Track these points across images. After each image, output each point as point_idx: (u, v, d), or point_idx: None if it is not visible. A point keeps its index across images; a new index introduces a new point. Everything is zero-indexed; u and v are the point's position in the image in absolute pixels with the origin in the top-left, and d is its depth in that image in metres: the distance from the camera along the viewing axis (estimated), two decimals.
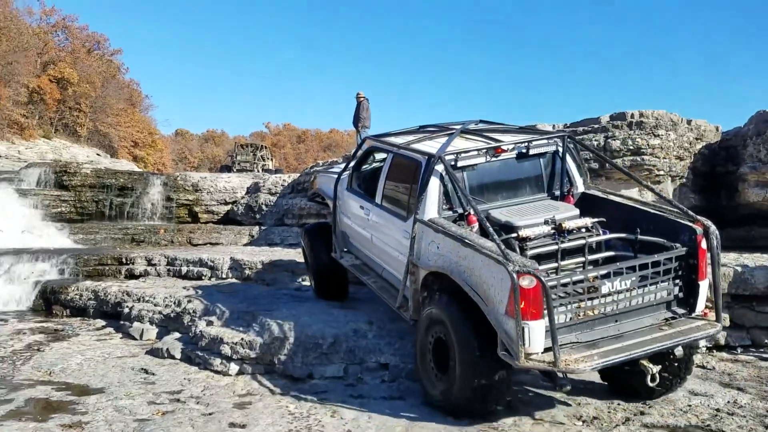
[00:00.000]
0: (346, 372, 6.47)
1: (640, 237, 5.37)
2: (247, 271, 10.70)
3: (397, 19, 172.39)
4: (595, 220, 5.54)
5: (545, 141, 6.16)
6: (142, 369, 6.92)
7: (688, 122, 10.57)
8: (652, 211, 5.72)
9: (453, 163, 5.74)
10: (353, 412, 5.44)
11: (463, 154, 5.81)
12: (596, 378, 6.03)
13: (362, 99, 15.82)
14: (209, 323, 7.49)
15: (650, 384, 5.23)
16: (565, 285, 4.85)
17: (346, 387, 6.19)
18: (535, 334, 4.53)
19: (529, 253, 5.17)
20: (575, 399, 5.80)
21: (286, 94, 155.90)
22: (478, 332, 4.93)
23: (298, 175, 15.94)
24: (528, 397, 5.87)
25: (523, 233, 5.26)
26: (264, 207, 15.62)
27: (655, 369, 5.19)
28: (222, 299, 8.46)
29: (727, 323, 7.15)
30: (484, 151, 5.89)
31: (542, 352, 4.59)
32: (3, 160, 24.65)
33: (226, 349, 6.78)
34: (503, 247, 4.75)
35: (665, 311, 5.23)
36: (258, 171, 33.76)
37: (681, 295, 5.26)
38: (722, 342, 7.42)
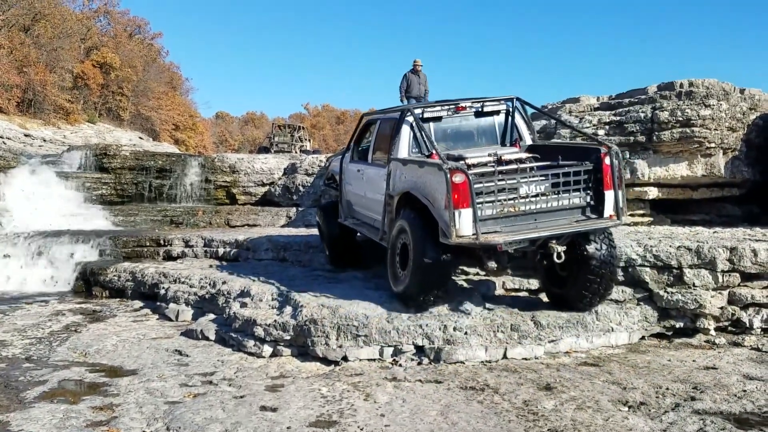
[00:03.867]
0: (381, 354, 6.30)
1: (560, 162, 6.55)
2: (282, 252, 10.59)
3: None
4: (529, 155, 6.86)
5: (496, 102, 7.61)
6: (176, 350, 6.88)
7: (741, 91, 10.01)
8: (578, 145, 7.38)
9: (421, 115, 7.32)
10: (387, 396, 5.28)
11: (428, 109, 7.47)
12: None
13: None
14: (243, 305, 7.41)
15: (557, 260, 6.33)
16: (489, 182, 6.14)
17: (380, 369, 6.03)
18: (464, 219, 5.92)
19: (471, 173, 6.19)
20: (621, 383, 5.52)
21: (325, 76, 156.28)
22: (426, 231, 6.33)
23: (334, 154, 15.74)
24: (571, 382, 5.60)
25: (468, 161, 6.55)
26: (301, 188, 15.48)
27: (561, 248, 6.32)
28: (257, 280, 8.37)
29: None
30: (446, 107, 7.46)
31: (471, 236, 5.94)
32: (48, 145, 25.15)
33: (259, 331, 6.69)
34: (444, 157, 6.25)
35: (579, 215, 6.45)
36: (295, 152, 33.84)
37: (592, 202, 6.44)
38: None
